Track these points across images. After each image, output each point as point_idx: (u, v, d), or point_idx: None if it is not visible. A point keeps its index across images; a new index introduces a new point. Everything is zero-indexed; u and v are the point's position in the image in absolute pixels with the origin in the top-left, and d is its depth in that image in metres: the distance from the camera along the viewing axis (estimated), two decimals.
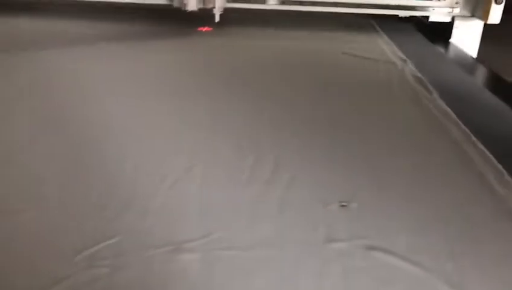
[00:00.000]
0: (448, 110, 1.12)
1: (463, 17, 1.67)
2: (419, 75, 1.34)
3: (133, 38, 1.57)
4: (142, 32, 1.65)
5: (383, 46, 1.61)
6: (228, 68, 1.36)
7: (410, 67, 1.40)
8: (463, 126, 1.04)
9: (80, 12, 1.79)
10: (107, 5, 1.75)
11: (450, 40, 1.71)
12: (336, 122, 1.06)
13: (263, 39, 1.64)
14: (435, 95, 1.21)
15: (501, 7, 1.51)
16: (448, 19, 1.71)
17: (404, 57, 1.48)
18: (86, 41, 1.52)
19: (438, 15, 1.72)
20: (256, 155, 0.90)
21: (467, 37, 1.68)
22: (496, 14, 1.54)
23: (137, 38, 1.57)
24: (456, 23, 1.70)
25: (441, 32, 1.73)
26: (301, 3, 1.68)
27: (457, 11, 1.66)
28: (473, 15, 1.64)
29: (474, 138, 0.99)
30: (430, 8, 1.70)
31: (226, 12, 1.64)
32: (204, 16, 1.60)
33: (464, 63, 1.54)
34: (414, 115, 1.12)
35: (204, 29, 1.63)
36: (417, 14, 1.76)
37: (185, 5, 1.57)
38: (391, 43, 1.64)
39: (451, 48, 1.68)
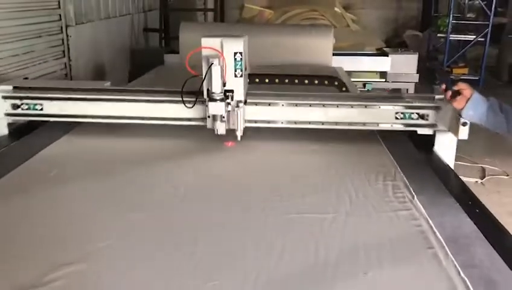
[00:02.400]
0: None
1: (442, 131, 2.07)
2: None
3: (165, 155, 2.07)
4: (173, 148, 2.13)
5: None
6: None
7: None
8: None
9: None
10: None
11: (434, 149, 2.10)
12: None
13: (280, 154, 2.08)
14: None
15: (467, 128, 1.89)
16: (431, 132, 2.11)
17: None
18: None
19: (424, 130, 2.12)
20: None
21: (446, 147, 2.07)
22: (463, 133, 1.91)
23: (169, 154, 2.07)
24: (437, 135, 2.10)
25: (427, 141, 2.13)
26: (309, 123, 2.14)
27: (436, 127, 2.07)
28: (448, 130, 2.03)
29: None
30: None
31: (247, 128, 2.11)
32: (229, 132, 2.08)
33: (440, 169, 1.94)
34: None
35: (230, 144, 2.11)
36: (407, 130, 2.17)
37: (216, 129, 2.05)
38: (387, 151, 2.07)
39: (433, 156, 2.07)
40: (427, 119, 2.09)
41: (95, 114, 2.22)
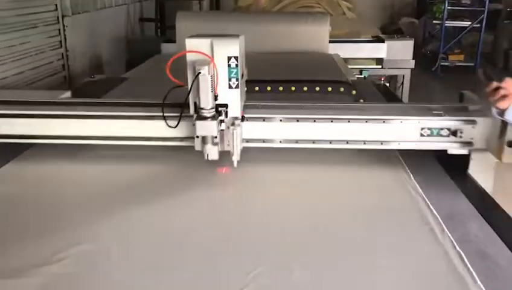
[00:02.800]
0: None
1: (479, 150, 1.61)
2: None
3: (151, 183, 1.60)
4: (158, 175, 1.65)
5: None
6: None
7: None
8: None
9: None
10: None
11: (468, 172, 1.65)
12: None
13: (281, 185, 1.60)
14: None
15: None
16: (465, 152, 1.65)
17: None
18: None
19: (456, 149, 1.66)
20: None
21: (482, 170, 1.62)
22: (509, 155, 1.47)
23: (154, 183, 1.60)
24: (473, 155, 1.64)
25: (459, 163, 1.67)
26: (313, 142, 1.69)
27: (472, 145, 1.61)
28: (487, 149, 1.58)
29: None
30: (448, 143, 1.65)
31: (243, 150, 1.66)
32: (223, 155, 1.61)
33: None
34: None
35: (223, 170, 1.63)
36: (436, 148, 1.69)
37: (206, 154, 1.58)
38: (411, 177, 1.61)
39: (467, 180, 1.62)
40: (460, 136, 1.63)
41: (48, 134, 1.72)
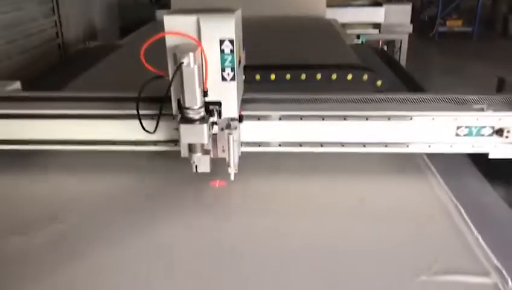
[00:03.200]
0: None
1: None
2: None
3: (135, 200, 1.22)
4: (129, 191, 1.26)
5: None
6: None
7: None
8: None
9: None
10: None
11: None
12: None
13: (286, 203, 1.21)
14: None
15: None
16: None
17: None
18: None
19: (500, 152, 1.28)
20: None
21: None
22: None
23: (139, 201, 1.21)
24: None
25: (504, 170, 1.30)
26: (322, 145, 1.30)
27: None
28: None
29: None
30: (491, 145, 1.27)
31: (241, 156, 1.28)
32: (217, 164, 1.23)
33: None
34: None
35: (217, 183, 1.25)
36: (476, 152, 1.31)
37: (195, 165, 1.20)
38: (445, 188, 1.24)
39: None
40: (506, 136, 1.25)
41: None
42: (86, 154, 1.37)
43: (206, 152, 1.19)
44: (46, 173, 1.34)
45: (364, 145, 1.31)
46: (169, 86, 1.10)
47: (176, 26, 1.10)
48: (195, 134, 1.13)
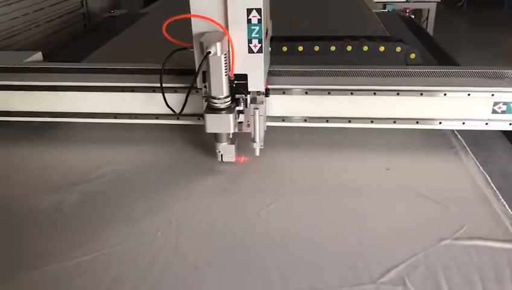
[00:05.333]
0: None
1: None
2: None
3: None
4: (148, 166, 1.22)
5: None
6: None
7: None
8: None
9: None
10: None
11: None
12: None
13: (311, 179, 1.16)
14: None
15: None
16: None
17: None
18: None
19: None
20: None
21: None
22: None
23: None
24: None
25: None
26: (349, 121, 1.24)
27: None
28: None
29: None
30: None
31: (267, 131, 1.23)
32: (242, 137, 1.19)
33: None
34: None
35: (241, 159, 1.21)
36: None
37: (220, 154, 1.17)
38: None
39: None
40: None
41: (7, 110, 1.32)
42: (105, 127, 1.34)
43: (232, 141, 1.16)
44: (69, 145, 1.32)
45: (394, 121, 1.24)
46: (197, 73, 1.05)
47: (200, 9, 1.03)
48: (220, 124, 1.09)
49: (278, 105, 1.25)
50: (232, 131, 1.11)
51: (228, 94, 1.09)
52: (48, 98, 1.31)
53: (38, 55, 1.50)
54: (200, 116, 1.23)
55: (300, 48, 1.33)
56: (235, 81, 1.10)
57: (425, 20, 4.02)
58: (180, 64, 1.23)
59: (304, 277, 0.85)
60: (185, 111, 1.25)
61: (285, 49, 1.33)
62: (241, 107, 1.13)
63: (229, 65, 1.06)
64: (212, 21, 1.04)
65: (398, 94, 1.21)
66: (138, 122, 1.31)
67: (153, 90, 1.26)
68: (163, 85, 1.18)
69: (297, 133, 1.29)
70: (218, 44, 0.99)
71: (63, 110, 1.32)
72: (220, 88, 1.06)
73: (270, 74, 1.29)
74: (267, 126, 1.26)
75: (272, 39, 1.34)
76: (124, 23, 2.32)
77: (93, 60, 1.73)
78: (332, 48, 1.32)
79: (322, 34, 1.42)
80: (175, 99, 1.22)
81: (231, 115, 1.08)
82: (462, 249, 0.91)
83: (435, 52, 1.88)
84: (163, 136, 1.33)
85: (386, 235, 0.96)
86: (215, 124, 1.09)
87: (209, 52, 0.99)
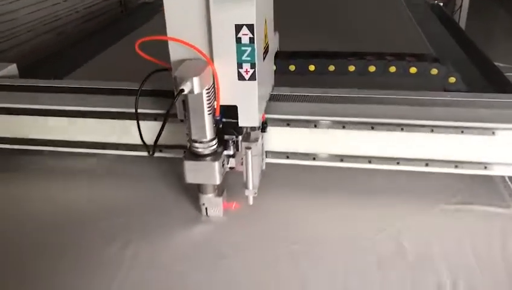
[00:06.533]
0: None
1: None
2: None
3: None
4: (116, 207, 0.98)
5: None
6: None
7: None
8: None
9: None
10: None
11: None
12: None
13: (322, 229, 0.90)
14: None
15: None
16: None
17: None
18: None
19: None
20: None
21: None
22: None
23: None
24: None
25: None
26: (370, 162, 0.98)
27: None
28: None
29: None
30: None
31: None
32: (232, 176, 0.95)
33: None
34: None
35: (232, 206, 0.97)
36: None
37: (205, 207, 0.94)
38: None
39: None
40: None
41: None
42: (75, 158, 1.12)
43: (219, 192, 0.92)
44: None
45: (427, 163, 0.97)
46: (171, 106, 0.80)
47: (177, 10, 0.79)
48: (204, 173, 0.85)
49: (280, 138, 1.01)
50: (218, 182, 0.87)
51: (213, 136, 0.85)
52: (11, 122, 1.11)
53: (12, 68, 1.30)
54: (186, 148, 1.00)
55: (312, 68, 1.07)
56: (223, 119, 0.86)
57: (459, 9, 3.64)
58: (164, 84, 1.00)
59: None
60: (170, 142, 1.04)
61: (292, 68, 1.07)
62: (230, 151, 0.89)
63: (214, 101, 0.83)
64: (191, 46, 0.80)
65: (432, 131, 0.94)
66: (110, 153, 1.09)
67: (129, 116, 1.03)
68: (140, 111, 0.96)
69: (305, 171, 1.04)
70: (196, 80, 0.75)
71: (29, 136, 1.12)
72: (202, 131, 0.83)
73: (273, 98, 1.04)
74: (268, 162, 1.02)
75: (277, 55, 1.09)
76: (158, 8, 2.21)
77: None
78: (351, 68, 1.05)
79: (340, 47, 1.15)
80: (154, 129, 0.99)
81: (217, 163, 0.84)
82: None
83: (466, 50, 1.61)
84: (143, 170, 1.10)
85: None
86: (196, 173, 0.86)
87: (182, 91, 0.75)
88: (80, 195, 1.02)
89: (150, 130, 1.00)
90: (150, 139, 0.96)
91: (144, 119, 1.00)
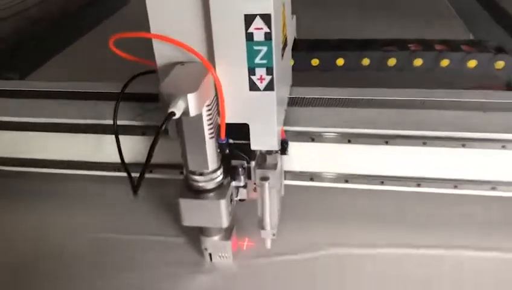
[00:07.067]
0: None
1: None
2: None
3: None
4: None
5: None
6: None
7: None
8: None
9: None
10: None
11: None
12: None
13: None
14: None
15: None
16: None
17: None
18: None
19: None
20: None
21: None
22: None
23: None
24: None
25: None
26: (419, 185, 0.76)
27: None
28: None
29: None
30: None
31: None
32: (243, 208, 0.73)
33: None
34: None
35: (244, 244, 0.75)
36: None
37: (209, 254, 0.73)
38: None
39: None
40: None
41: None
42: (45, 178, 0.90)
43: (226, 235, 0.69)
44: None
45: (493, 187, 0.75)
46: (157, 133, 0.56)
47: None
48: (206, 214, 0.63)
49: (303, 156, 0.78)
50: (225, 225, 0.65)
51: (217, 166, 0.63)
52: None
53: None
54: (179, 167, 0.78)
55: (341, 62, 0.83)
56: (230, 141, 0.64)
57: None
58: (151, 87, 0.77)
59: None
60: (167, 160, 0.82)
61: (316, 62, 0.84)
62: (241, 183, 0.67)
63: (217, 118, 0.60)
64: (183, 46, 0.56)
65: (503, 147, 0.72)
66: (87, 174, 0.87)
67: (103, 130, 0.80)
68: (120, 123, 0.73)
69: (334, 194, 0.82)
70: (192, 97, 0.52)
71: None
72: (203, 160, 0.60)
73: (291, 102, 0.81)
74: (287, 184, 0.80)
75: (296, 45, 0.85)
76: None
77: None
78: (392, 62, 0.81)
79: (373, 33, 0.91)
80: (143, 146, 0.77)
81: (223, 202, 0.62)
82: None
83: None
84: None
85: None
86: (197, 214, 0.64)
87: (173, 114, 0.52)
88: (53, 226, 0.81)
89: (134, 146, 0.77)
90: (133, 158, 0.74)
91: (125, 133, 0.77)
